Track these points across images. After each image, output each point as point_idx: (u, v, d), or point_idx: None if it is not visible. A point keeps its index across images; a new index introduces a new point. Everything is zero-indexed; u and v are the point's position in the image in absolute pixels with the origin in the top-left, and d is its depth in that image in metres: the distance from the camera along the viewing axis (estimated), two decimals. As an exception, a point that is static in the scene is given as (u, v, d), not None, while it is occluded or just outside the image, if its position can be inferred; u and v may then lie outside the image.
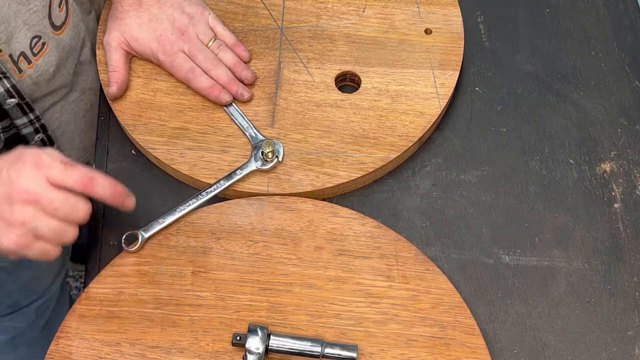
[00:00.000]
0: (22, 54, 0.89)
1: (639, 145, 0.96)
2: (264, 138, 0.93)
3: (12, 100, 0.90)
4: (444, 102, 0.95)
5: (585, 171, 0.94)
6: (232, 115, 0.95)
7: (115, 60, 0.96)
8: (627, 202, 0.92)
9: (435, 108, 0.95)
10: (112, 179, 0.79)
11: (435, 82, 0.97)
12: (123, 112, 0.95)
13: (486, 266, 0.88)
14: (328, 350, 0.79)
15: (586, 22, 1.05)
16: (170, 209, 0.88)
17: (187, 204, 0.88)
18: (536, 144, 0.96)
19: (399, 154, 0.92)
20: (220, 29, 0.98)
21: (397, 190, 0.93)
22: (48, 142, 0.99)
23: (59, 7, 0.92)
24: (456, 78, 0.97)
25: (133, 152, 0.96)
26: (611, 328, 0.85)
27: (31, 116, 0.94)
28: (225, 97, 0.95)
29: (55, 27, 0.92)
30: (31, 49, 0.90)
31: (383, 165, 0.92)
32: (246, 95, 0.95)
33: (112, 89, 0.95)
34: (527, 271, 0.88)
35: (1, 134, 0.93)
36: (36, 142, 0.97)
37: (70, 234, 0.77)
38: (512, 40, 1.04)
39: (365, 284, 0.85)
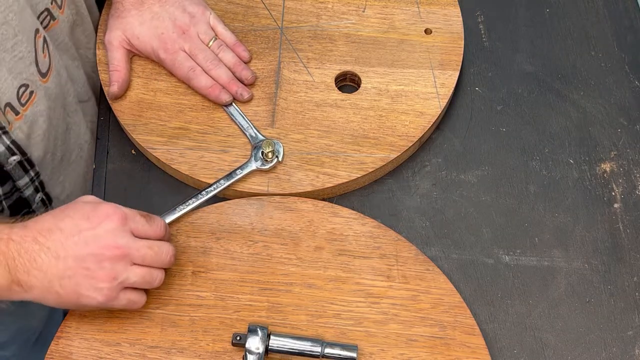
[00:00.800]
0: (8, 104, 0.83)
1: (639, 145, 0.96)
2: (264, 138, 0.93)
3: (14, 158, 0.86)
4: (444, 102, 0.95)
5: (585, 171, 0.94)
6: (232, 115, 0.95)
7: (116, 59, 0.96)
8: (627, 202, 0.92)
9: (435, 108, 0.95)
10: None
11: (435, 82, 0.97)
12: (123, 112, 0.95)
13: (486, 266, 0.88)
14: (328, 350, 0.79)
15: (586, 22, 1.05)
16: (170, 209, 0.88)
17: (187, 204, 0.88)
18: (536, 144, 0.96)
19: (399, 154, 0.92)
20: (221, 28, 0.98)
21: (397, 190, 0.93)
22: (47, 200, 0.95)
23: (43, 52, 0.87)
24: (456, 78, 0.97)
25: (133, 152, 0.96)
26: (611, 328, 0.85)
27: (32, 173, 0.90)
28: (225, 97, 0.95)
29: (42, 75, 0.87)
30: (18, 98, 0.84)
31: (383, 165, 0.92)
32: (246, 95, 0.95)
33: (112, 88, 0.95)
34: (527, 271, 0.88)
35: (3, 201, 0.89)
36: (37, 203, 0.94)
37: (158, 278, 0.80)
38: (512, 40, 1.04)
39: (365, 284, 0.85)
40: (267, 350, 0.78)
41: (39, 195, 0.93)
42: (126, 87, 0.96)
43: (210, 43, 0.96)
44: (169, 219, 0.88)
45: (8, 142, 0.84)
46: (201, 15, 0.97)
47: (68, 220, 0.76)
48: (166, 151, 0.93)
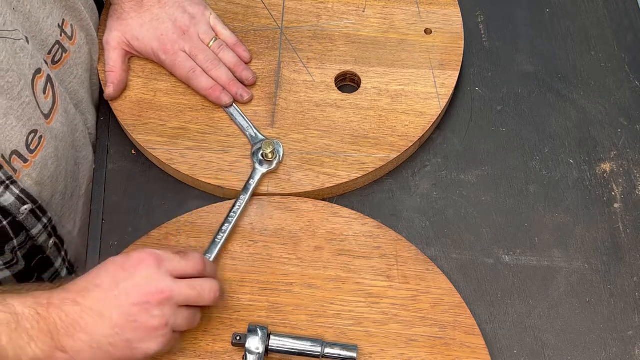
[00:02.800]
0: (15, 152, 0.80)
1: (639, 145, 0.96)
2: (264, 138, 0.93)
3: (26, 207, 0.83)
4: (444, 102, 0.95)
5: (585, 171, 0.94)
6: (232, 115, 0.95)
7: (112, 60, 0.96)
8: (627, 202, 0.92)
9: (435, 108, 0.95)
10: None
11: (435, 82, 0.97)
12: (123, 112, 0.95)
13: (486, 266, 0.88)
14: (328, 350, 0.79)
15: (586, 22, 1.05)
16: (209, 245, 0.85)
17: (222, 232, 0.86)
18: (536, 144, 0.96)
19: (399, 154, 0.92)
20: (221, 29, 0.98)
21: (397, 190, 0.93)
22: (60, 243, 0.94)
23: (44, 93, 0.84)
24: (456, 78, 0.97)
25: (133, 152, 0.96)
26: (611, 328, 0.85)
27: (44, 220, 0.87)
28: (226, 99, 0.95)
29: (45, 116, 0.84)
30: (27, 146, 0.81)
31: (383, 165, 0.92)
32: (246, 96, 0.95)
33: (108, 90, 0.95)
34: (527, 271, 0.88)
35: (18, 252, 0.86)
36: (51, 248, 0.92)
37: (199, 318, 0.79)
38: (512, 40, 1.04)
39: (365, 284, 0.85)
40: (267, 350, 0.78)
41: (52, 240, 0.92)
42: (122, 88, 0.96)
43: (211, 43, 0.96)
44: (213, 254, 0.85)
45: (17, 192, 0.82)
46: (201, 15, 0.97)
47: (104, 275, 0.74)
48: (166, 151, 0.93)
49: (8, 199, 0.81)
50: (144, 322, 0.72)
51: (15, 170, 0.81)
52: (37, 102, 0.82)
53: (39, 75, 0.83)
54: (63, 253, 0.96)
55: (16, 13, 0.80)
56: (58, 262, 0.95)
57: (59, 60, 0.89)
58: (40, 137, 0.83)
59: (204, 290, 0.77)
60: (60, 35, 0.88)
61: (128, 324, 0.72)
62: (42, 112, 0.83)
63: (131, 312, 0.72)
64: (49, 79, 0.85)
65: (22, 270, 0.89)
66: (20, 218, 0.84)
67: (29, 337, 0.70)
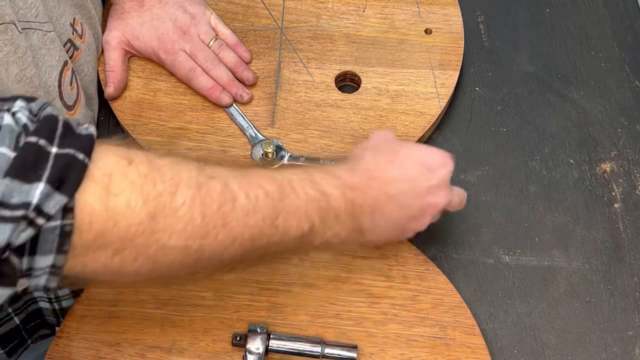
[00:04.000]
0: None
1: (639, 145, 0.96)
2: (264, 138, 0.93)
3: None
4: (444, 102, 0.95)
5: (585, 171, 0.94)
6: (232, 115, 0.95)
7: (112, 59, 0.96)
8: (627, 202, 0.92)
9: (435, 108, 0.95)
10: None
11: (435, 82, 0.97)
12: (123, 112, 0.95)
13: (486, 266, 0.88)
14: (328, 351, 0.78)
15: (586, 22, 1.05)
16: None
17: None
18: (536, 144, 0.96)
19: (399, 154, 0.92)
20: (221, 28, 0.98)
21: (397, 190, 0.93)
22: None
23: (70, 85, 0.85)
24: (456, 78, 0.97)
25: (133, 152, 0.96)
26: (611, 328, 0.85)
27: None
28: (226, 99, 0.95)
29: (68, 107, 0.85)
30: None
31: (383, 165, 0.92)
32: (245, 97, 0.95)
33: (108, 90, 0.95)
34: (527, 271, 0.88)
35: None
36: None
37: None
38: (512, 40, 1.04)
39: (365, 284, 0.85)
40: (267, 350, 0.78)
41: None
42: (122, 88, 0.96)
43: (211, 43, 0.96)
44: None
45: None
46: (202, 15, 0.97)
47: (409, 166, 0.78)
48: (166, 151, 0.92)
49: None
50: (435, 205, 0.78)
51: None
52: (61, 94, 0.83)
53: (67, 68, 0.84)
54: None
55: (45, 7, 0.80)
56: None
57: (71, 57, 0.89)
58: None
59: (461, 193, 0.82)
60: (72, 34, 0.88)
61: (420, 217, 0.78)
62: (66, 103, 0.84)
63: (424, 208, 0.77)
64: (73, 71, 0.86)
65: None
66: None
67: (336, 217, 0.72)
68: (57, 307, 0.96)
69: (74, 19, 0.89)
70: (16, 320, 0.95)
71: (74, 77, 0.86)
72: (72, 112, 0.86)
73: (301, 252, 0.77)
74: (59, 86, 0.83)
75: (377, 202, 0.74)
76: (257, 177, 0.67)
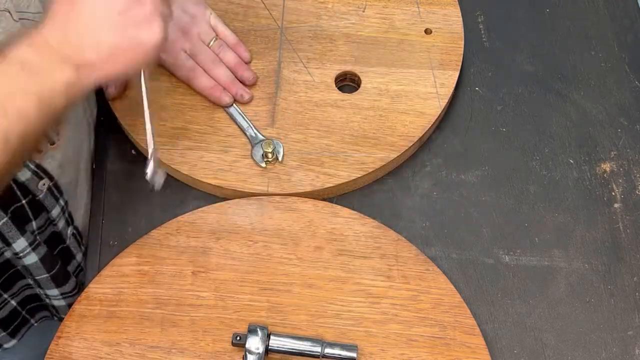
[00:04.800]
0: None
1: (639, 145, 0.96)
2: (264, 138, 0.93)
3: (43, 182, 0.84)
4: (444, 102, 0.95)
5: (585, 171, 0.94)
6: (232, 115, 0.95)
7: None
8: (627, 202, 0.92)
9: (435, 108, 0.95)
10: None
11: (435, 82, 0.97)
12: (123, 112, 0.95)
13: (486, 266, 0.88)
14: (328, 350, 0.79)
15: (586, 22, 1.05)
16: None
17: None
18: (536, 144, 0.96)
19: (399, 154, 0.92)
20: (221, 28, 0.98)
21: (397, 190, 0.93)
22: (79, 236, 0.96)
23: None
24: (456, 78, 0.97)
25: (133, 152, 0.96)
26: (611, 328, 0.85)
27: (62, 202, 0.89)
28: (226, 99, 0.95)
29: None
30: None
31: (383, 165, 0.92)
32: (246, 96, 0.95)
33: (110, 89, 0.95)
34: (527, 271, 0.88)
35: (38, 236, 0.88)
36: (70, 238, 0.93)
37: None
38: (512, 40, 1.04)
39: (365, 284, 0.85)
40: (267, 350, 0.78)
41: (70, 229, 0.93)
42: (124, 88, 0.96)
43: (211, 43, 0.96)
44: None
45: (33, 167, 0.83)
46: (202, 15, 0.97)
47: None
48: (166, 151, 0.93)
49: (25, 173, 0.82)
50: (137, 11, 0.70)
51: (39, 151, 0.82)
52: None
53: None
54: (83, 248, 0.97)
55: None
56: (79, 257, 0.97)
57: None
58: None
59: None
60: None
61: (125, 18, 0.70)
62: None
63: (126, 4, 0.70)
64: None
65: (48, 254, 0.90)
66: (40, 196, 0.85)
67: (40, 68, 0.67)
68: (48, 302, 0.96)
69: None
70: (13, 302, 0.96)
71: None
72: None
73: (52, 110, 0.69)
74: None
75: (67, 33, 0.69)
76: None
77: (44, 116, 0.67)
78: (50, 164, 0.85)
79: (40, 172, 0.84)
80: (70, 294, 0.97)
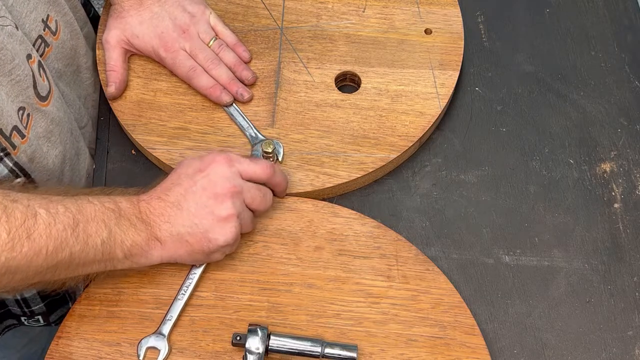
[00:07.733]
0: (15, 128, 0.82)
1: (639, 145, 0.96)
2: (264, 138, 0.93)
3: (18, 180, 0.84)
4: (444, 102, 0.95)
5: (585, 171, 0.94)
6: (232, 115, 0.95)
7: (113, 59, 0.96)
8: (627, 202, 0.92)
9: (435, 108, 0.95)
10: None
11: (435, 82, 0.97)
12: (123, 112, 0.95)
13: (486, 266, 0.88)
14: (328, 350, 0.79)
15: (586, 22, 1.05)
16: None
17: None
18: (536, 144, 0.96)
19: (399, 154, 0.92)
20: (221, 28, 0.98)
21: (397, 190, 0.93)
22: None
23: (40, 76, 0.86)
24: (456, 78, 0.97)
25: (133, 152, 0.96)
26: (611, 328, 0.85)
27: None
28: (226, 98, 0.95)
29: (42, 98, 0.86)
30: (20, 121, 0.83)
31: (383, 165, 0.92)
32: (246, 95, 0.95)
33: (110, 89, 0.95)
34: (527, 271, 0.88)
35: None
36: None
37: (256, 222, 0.87)
38: (512, 40, 1.04)
39: (365, 284, 0.85)
40: (267, 350, 0.78)
41: None
42: (124, 87, 0.96)
43: (211, 43, 0.96)
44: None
45: (11, 165, 0.83)
46: (201, 14, 0.97)
47: (183, 176, 0.82)
48: (166, 151, 0.93)
49: (2, 170, 0.83)
50: (218, 212, 0.80)
51: (14, 146, 0.83)
52: (34, 83, 0.85)
53: (31, 60, 0.84)
54: None
55: (3, 1, 0.81)
56: None
57: (42, 54, 0.89)
58: (28, 115, 0.85)
59: (267, 195, 0.85)
60: (44, 30, 0.88)
61: (204, 215, 0.80)
62: (38, 93, 0.85)
63: (207, 204, 0.80)
64: (40, 64, 0.86)
65: None
66: None
67: (130, 224, 0.78)
68: (18, 296, 0.95)
69: (48, 15, 0.89)
70: None
71: (41, 69, 0.86)
72: (46, 102, 0.87)
73: (107, 264, 0.78)
74: (32, 75, 0.84)
75: (159, 212, 0.80)
76: (58, 197, 0.75)
77: (94, 256, 0.76)
78: (21, 158, 0.84)
79: (18, 170, 0.84)
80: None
